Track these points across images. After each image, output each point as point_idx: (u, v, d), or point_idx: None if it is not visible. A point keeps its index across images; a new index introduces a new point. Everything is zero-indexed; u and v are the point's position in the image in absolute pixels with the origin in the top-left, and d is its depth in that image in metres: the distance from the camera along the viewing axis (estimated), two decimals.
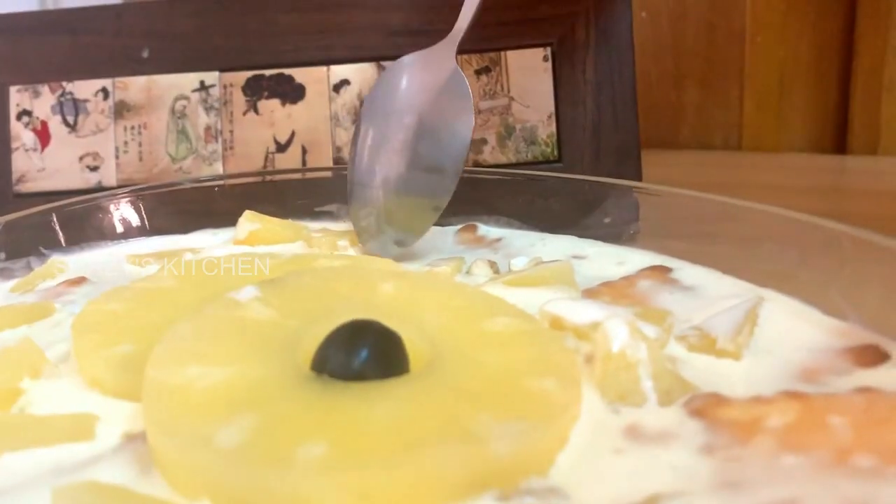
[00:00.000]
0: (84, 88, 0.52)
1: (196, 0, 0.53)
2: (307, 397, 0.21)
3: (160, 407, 0.21)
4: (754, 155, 0.83)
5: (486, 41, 0.51)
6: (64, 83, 0.52)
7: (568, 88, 0.51)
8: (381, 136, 0.39)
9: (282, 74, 0.52)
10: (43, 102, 0.52)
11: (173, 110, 0.52)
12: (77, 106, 0.52)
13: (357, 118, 0.40)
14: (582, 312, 0.27)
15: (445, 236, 0.42)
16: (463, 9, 0.40)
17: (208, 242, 0.42)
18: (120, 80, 0.52)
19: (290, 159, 0.52)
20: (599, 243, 0.39)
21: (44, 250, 0.40)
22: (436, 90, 0.38)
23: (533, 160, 0.51)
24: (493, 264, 0.36)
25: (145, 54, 0.52)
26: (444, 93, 0.38)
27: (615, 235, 0.39)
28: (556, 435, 0.21)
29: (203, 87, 0.52)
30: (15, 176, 0.52)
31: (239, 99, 0.52)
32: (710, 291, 0.32)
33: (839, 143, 0.83)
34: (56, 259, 0.39)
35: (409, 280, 0.30)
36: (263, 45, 0.52)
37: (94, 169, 0.52)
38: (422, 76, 0.38)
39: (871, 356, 0.26)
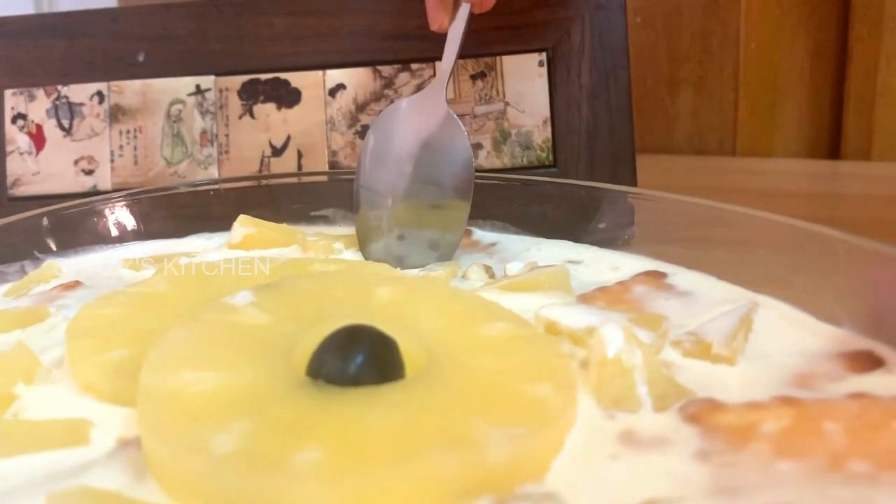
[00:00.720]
0: (79, 92, 0.52)
1: (192, 4, 0.53)
2: (303, 403, 0.21)
3: (155, 412, 0.21)
4: (749, 160, 0.84)
5: (481, 46, 0.51)
6: (59, 87, 0.52)
7: (563, 93, 0.51)
8: (385, 174, 0.40)
9: (277, 78, 0.52)
10: (38, 106, 0.52)
11: (169, 114, 0.52)
12: (72, 109, 0.52)
13: (360, 153, 0.41)
14: (577, 318, 0.27)
15: None
16: (445, 51, 0.41)
17: (203, 246, 0.42)
18: (115, 83, 0.52)
19: (285, 163, 0.52)
20: (594, 248, 0.39)
21: (38, 254, 0.40)
22: (430, 134, 0.40)
23: (528, 165, 0.51)
24: (488, 269, 0.36)
25: (141, 58, 0.52)
26: (439, 134, 0.40)
27: (610, 240, 0.39)
28: (552, 440, 0.21)
29: (199, 91, 0.52)
30: (9, 179, 0.52)
31: (234, 103, 0.52)
32: (704, 297, 0.32)
33: (833, 148, 0.83)
34: (51, 263, 0.39)
35: (405, 285, 0.30)
36: (259, 49, 0.52)
37: (89, 173, 0.52)
38: (417, 120, 0.40)
39: (865, 362, 0.26)
